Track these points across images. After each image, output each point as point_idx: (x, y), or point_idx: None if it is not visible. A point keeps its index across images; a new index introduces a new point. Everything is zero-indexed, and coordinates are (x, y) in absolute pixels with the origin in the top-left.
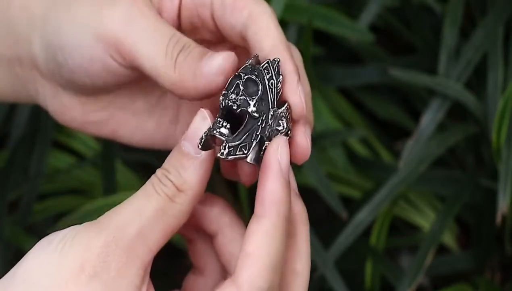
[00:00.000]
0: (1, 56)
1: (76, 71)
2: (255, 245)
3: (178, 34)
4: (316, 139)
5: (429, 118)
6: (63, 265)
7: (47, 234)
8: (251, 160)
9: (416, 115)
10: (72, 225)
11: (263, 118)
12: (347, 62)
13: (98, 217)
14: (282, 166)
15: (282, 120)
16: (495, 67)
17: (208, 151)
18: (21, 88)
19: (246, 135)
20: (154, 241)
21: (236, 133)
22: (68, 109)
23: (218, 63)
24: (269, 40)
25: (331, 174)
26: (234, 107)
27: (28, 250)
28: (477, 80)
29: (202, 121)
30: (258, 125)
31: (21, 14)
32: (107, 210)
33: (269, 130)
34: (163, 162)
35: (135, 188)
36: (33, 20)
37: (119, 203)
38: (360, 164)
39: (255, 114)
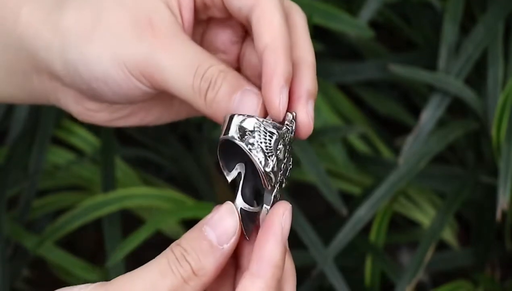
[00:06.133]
0: (16, 70)
1: (105, 93)
2: None
3: (204, 64)
4: (316, 135)
5: (429, 115)
6: None
7: (46, 231)
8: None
9: (416, 112)
10: (72, 222)
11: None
12: (346, 58)
13: (97, 213)
14: (284, 231)
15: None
16: (495, 63)
17: (231, 244)
18: (39, 96)
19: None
20: None
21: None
22: (93, 112)
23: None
24: (268, 34)
25: (331, 170)
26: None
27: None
28: (477, 77)
29: (229, 214)
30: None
31: (33, 34)
32: (106, 208)
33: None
34: (162, 158)
35: (134, 184)
36: (48, 45)
37: (118, 200)
38: (359, 160)
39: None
